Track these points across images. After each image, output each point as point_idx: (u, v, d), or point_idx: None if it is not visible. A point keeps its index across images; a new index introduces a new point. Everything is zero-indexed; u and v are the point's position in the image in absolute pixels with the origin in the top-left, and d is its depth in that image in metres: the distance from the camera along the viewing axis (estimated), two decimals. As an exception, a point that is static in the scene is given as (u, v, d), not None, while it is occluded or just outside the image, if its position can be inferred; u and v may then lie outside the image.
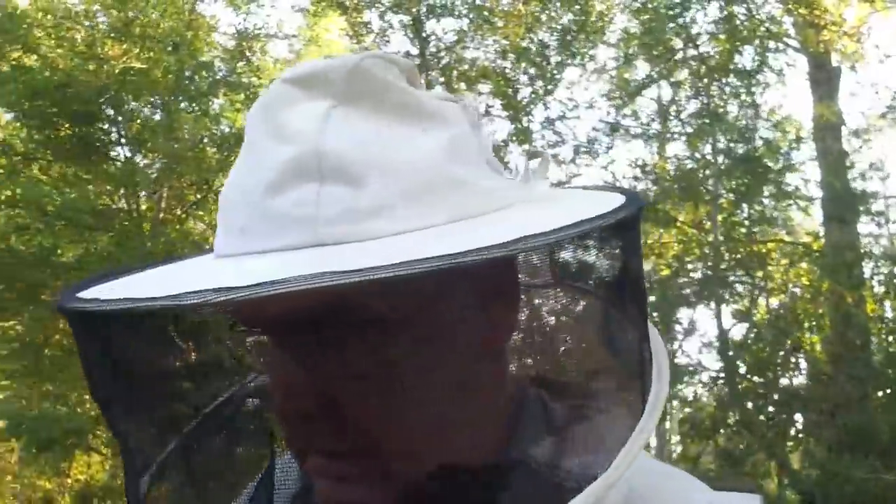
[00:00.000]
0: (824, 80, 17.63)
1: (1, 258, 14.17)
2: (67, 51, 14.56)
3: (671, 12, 16.83)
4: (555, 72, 17.40)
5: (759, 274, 17.08)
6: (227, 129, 16.48)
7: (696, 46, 16.92)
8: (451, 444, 0.96)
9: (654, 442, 20.37)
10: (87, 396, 15.30)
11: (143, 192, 15.39)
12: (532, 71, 17.09)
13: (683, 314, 17.29)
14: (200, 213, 16.85)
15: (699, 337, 19.76)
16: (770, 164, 16.99)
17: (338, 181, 0.88)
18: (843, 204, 16.08)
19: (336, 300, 0.88)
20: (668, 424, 20.30)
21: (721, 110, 17.35)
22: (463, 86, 17.35)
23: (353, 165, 0.88)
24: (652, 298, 15.97)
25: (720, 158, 16.99)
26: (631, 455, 0.89)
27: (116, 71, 14.26)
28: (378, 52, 0.99)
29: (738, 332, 16.68)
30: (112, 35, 14.33)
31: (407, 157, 0.90)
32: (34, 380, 15.48)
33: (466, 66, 17.89)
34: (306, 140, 0.89)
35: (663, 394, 0.96)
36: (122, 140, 15.29)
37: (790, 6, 17.19)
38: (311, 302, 0.86)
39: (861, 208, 16.56)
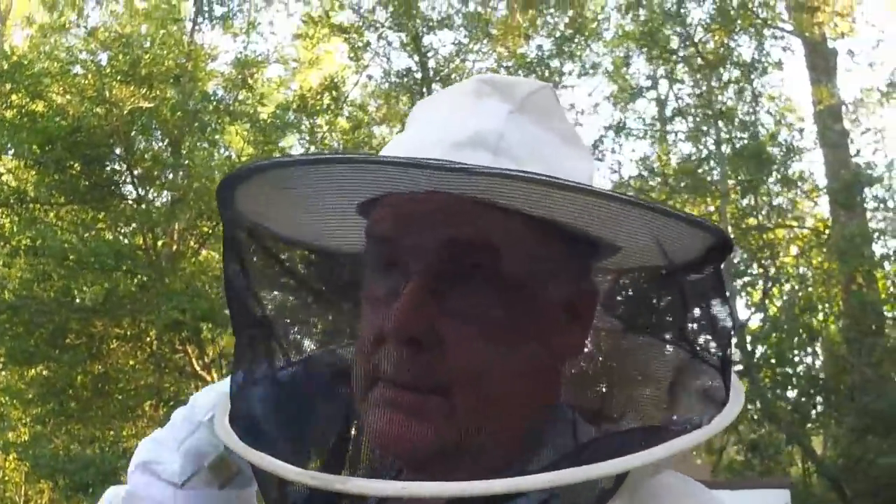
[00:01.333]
0: (821, 62, 17.67)
1: (25, 306, 14.36)
2: (75, 96, 14.68)
3: (667, 9, 16.87)
4: (555, 77, 17.47)
5: (771, 263, 17.12)
6: (234, 157, 16.58)
7: (694, 44, 16.96)
8: (518, 406, 1.07)
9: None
10: (122, 434, 15.49)
11: (158, 229, 15.49)
12: (533, 78, 17.15)
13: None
14: (215, 243, 16.96)
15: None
16: (773, 151, 17.01)
17: (510, 160, 1.08)
18: (848, 186, 16.11)
19: (485, 226, 1.04)
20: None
21: (722, 103, 17.39)
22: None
23: (524, 152, 1.10)
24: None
25: (724, 149, 17.03)
26: (724, 422, 1.05)
27: (125, 112, 14.38)
28: (549, 87, 1.24)
29: (753, 322, 16.73)
30: (119, 78, 14.44)
31: (569, 167, 1.11)
32: (62, 421, 15.63)
33: (467, 77, 17.99)
34: (492, 123, 1.12)
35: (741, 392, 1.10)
36: (133, 179, 15.40)
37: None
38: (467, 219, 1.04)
39: (866, 189, 16.57)
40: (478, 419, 1.04)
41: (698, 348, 1.13)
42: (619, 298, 1.22)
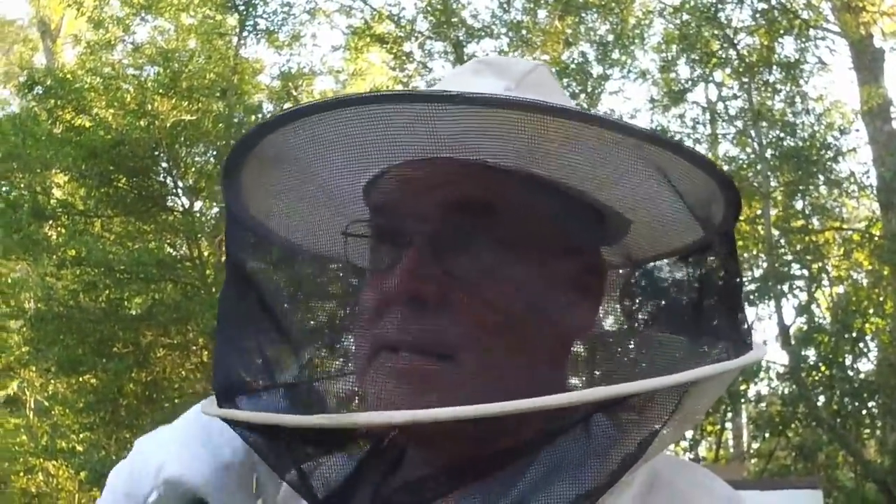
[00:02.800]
0: (868, 62, 17.45)
1: (71, 315, 14.61)
2: (118, 110, 14.92)
3: (707, 13, 16.78)
4: (596, 84, 17.46)
5: (817, 265, 16.92)
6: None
7: (735, 45, 16.85)
8: (521, 366, 1.05)
9: (731, 438, 20.31)
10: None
11: (203, 239, 15.68)
12: (574, 85, 17.14)
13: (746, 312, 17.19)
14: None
15: (762, 333, 19.59)
16: (820, 153, 16.82)
17: None
18: (892, 186, 15.88)
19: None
20: (744, 420, 20.16)
21: (766, 105, 17.25)
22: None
23: None
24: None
25: (769, 152, 16.88)
26: (758, 354, 1.09)
27: (168, 125, 14.59)
28: (545, 65, 1.25)
29: (800, 325, 16.53)
30: (160, 91, 14.65)
31: None
32: (112, 429, 15.84)
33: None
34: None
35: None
36: (179, 190, 15.63)
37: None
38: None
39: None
40: (485, 383, 1.03)
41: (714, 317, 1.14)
42: (631, 280, 1.23)
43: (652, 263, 1.21)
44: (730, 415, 18.05)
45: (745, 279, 17.45)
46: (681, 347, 1.13)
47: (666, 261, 1.20)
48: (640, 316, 1.22)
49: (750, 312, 17.09)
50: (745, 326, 1.12)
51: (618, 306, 1.17)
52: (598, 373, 1.16)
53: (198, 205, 16.48)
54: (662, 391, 1.01)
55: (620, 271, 1.21)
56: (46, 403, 17.50)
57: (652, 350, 1.17)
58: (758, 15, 16.96)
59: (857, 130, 18.24)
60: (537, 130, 1.02)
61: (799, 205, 17.51)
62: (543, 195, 1.08)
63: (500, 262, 1.07)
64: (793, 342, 15.66)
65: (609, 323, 1.16)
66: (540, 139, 1.03)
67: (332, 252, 1.24)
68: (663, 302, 1.22)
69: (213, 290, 14.59)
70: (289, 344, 1.20)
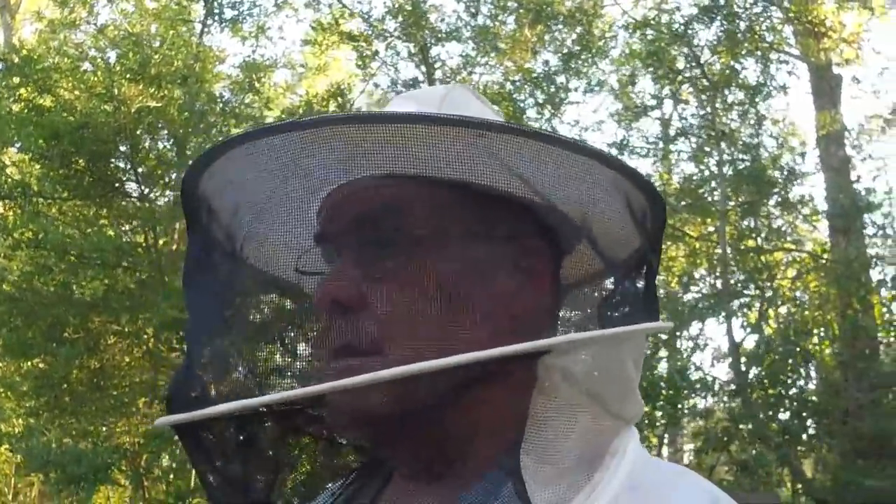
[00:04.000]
0: (826, 88, 17.72)
1: (23, 298, 14.40)
2: (84, 92, 14.74)
3: (674, 30, 16.94)
4: (561, 93, 17.56)
5: (769, 285, 17.16)
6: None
7: (700, 65, 17.03)
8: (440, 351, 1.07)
9: (665, 452, 20.48)
10: (116, 429, 15.51)
11: (160, 227, 15.53)
12: (538, 94, 17.24)
13: (694, 328, 17.41)
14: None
15: (711, 350, 19.80)
16: (774, 174, 17.07)
17: None
18: (848, 212, 16.16)
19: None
20: (682, 437, 20.39)
21: (726, 125, 17.45)
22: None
23: None
24: (662, 314, 16.02)
25: (726, 170, 17.08)
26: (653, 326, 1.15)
27: (132, 110, 14.44)
28: (463, 85, 1.36)
29: (749, 343, 16.75)
30: (128, 76, 14.50)
31: None
32: (55, 415, 15.63)
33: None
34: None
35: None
36: (137, 176, 15.45)
37: (790, 15, 17.30)
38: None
39: (866, 216, 16.62)
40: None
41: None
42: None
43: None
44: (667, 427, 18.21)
45: (696, 296, 17.74)
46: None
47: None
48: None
49: (696, 328, 17.31)
50: (653, 301, 1.19)
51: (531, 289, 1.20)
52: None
53: (155, 192, 16.27)
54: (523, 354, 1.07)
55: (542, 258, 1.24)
56: (-13, 385, 17.17)
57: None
58: (722, 34, 17.14)
59: (804, 154, 18.49)
60: (416, 136, 1.10)
61: (752, 224, 17.72)
62: (436, 192, 1.15)
63: (408, 259, 1.13)
64: (742, 360, 15.87)
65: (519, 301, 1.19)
66: (418, 144, 1.11)
67: (286, 276, 1.34)
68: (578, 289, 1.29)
69: (166, 279, 14.45)
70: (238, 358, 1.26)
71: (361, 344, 1.11)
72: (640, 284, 1.20)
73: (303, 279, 1.31)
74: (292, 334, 1.29)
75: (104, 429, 15.53)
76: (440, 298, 1.12)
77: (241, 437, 1.16)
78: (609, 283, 1.25)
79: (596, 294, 1.27)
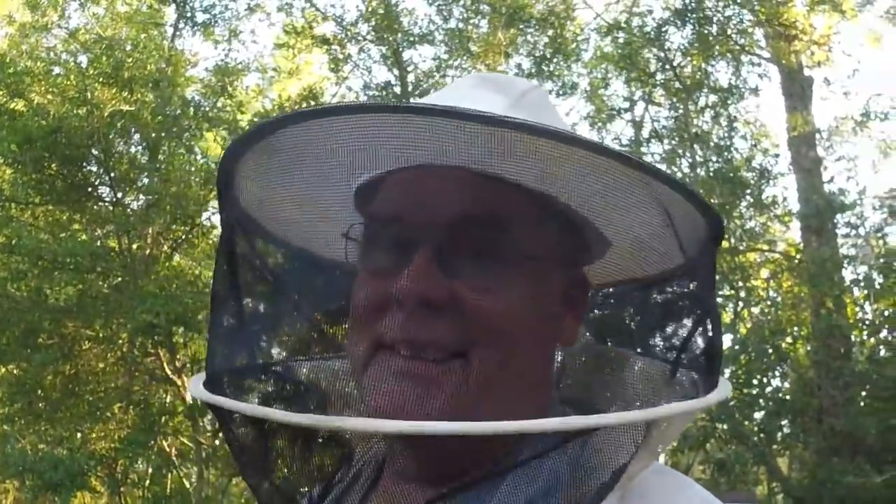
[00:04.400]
0: (797, 90, 17.82)
1: (-2, 304, 14.30)
2: (57, 96, 14.64)
3: (647, 34, 17.01)
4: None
5: (742, 285, 17.24)
6: (212, 165, 16.52)
7: (672, 68, 17.10)
8: (518, 375, 1.08)
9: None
10: (91, 435, 15.39)
11: (133, 232, 15.43)
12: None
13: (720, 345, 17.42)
14: (188, 248, 16.90)
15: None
16: (747, 175, 17.14)
17: None
18: (821, 212, 16.25)
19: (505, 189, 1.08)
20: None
21: (698, 127, 17.53)
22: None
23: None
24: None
25: (699, 171, 17.15)
26: (723, 393, 1.10)
27: (105, 114, 14.36)
28: (541, 88, 1.29)
29: (724, 343, 16.78)
30: (101, 80, 14.42)
31: None
32: (30, 421, 15.52)
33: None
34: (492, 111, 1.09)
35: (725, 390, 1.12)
36: (110, 181, 15.36)
37: (760, 18, 17.40)
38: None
39: (838, 215, 16.74)
40: (492, 384, 1.06)
41: (687, 349, 1.17)
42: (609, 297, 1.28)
43: (632, 286, 1.27)
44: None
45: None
46: (654, 378, 1.18)
47: (648, 286, 1.25)
48: (618, 336, 1.28)
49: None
50: (717, 361, 1.15)
51: (598, 323, 1.23)
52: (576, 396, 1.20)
53: (128, 197, 16.18)
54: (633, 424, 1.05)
55: (603, 291, 1.26)
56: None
57: (626, 378, 1.21)
58: (693, 38, 17.22)
59: (777, 155, 18.58)
60: (546, 153, 1.05)
61: (725, 225, 17.77)
62: (544, 213, 1.12)
63: (503, 273, 1.09)
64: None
65: (589, 338, 1.22)
66: (550, 162, 1.06)
67: (331, 253, 1.29)
68: (643, 326, 1.27)
69: (140, 283, 14.37)
70: (283, 339, 1.26)
71: (431, 349, 1.07)
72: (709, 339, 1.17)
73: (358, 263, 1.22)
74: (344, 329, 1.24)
75: (80, 435, 15.42)
76: (524, 322, 1.10)
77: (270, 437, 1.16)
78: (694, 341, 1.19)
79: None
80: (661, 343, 1.20)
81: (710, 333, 1.15)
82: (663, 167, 18.21)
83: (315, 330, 1.30)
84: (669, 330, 1.20)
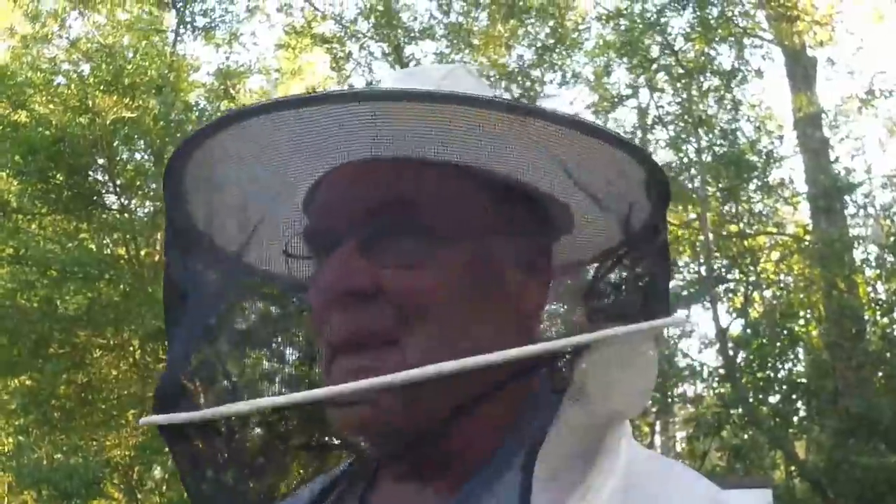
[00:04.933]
0: (801, 71, 17.76)
1: (7, 315, 14.35)
2: (58, 106, 14.71)
3: (647, 19, 16.95)
4: (536, 87, 17.57)
5: (752, 269, 17.20)
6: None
7: (675, 52, 17.05)
8: (467, 345, 1.04)
9: (658, 441, 20.55)
10: (106, 443, 15.48)
11: (141, 238, 15.50)
12: (514, 88, 17.25)
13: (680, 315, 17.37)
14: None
15: (698, 336, 19.84)
16: (754, 159, 17.08)
17: None
18: (829, 193, 16.21)
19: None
20: (675, 424, 20.45)
21: (703, 111, 17.47)
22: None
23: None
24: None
25: (705, 156, 17.10)
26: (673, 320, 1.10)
27: (108, 122, 14.41)
28: (463, 65, 1.29)
29: (735, 328, 16.78)
30: (102, 88, 14.47)
31: None
32: (45, 431, 15.62)
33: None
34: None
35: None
36: (116, 188, 15.43)
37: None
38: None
39: (846, 197, 16.70)
40: (434, 356, 1.03)
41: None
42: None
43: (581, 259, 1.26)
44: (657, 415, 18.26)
45: (679, 283, 17.77)
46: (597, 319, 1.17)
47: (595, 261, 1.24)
48: (566, 297, 1.24)
49: (682, 313, 17.28)
50: (665, 300, 1.14)
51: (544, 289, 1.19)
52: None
53: (134, 203, 16.24)
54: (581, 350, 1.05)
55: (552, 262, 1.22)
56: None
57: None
58: (695, 21, 17.16)
59: (782, 137, 18.47)
60: (448, 118, 1.05)
61: (733, 209, 17.74)
62: (460, 183, 1.11)
63: (424, 250, 1.08)
64: (729, 345, 15.90)
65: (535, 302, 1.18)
66: (449, 127, 1.06)
67: (275, 261, 1.28)
68: (590, 287, 1.23)
69: (150, 290, 14.42)
70: (236, 351, 1.23)
71: (378, 337, 1.07)
72: (652, 272, 1.17)
73: (295, 266, 1.24)
74: (292, 329, 1.26)
75: (94, 443, 15.51)
76: (461, 293, 1.08)
77: (233, 440, 1.14)
78: (620, 273, 1.20)
79: (606, 286, 1.22)
80: (611, 299, 1.20)
81: (657, 280, 1.16)
82: (669, 153, 18.25)
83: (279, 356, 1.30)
84: (618, 289, 1.20)
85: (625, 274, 1.19)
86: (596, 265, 1.23)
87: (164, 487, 15.70)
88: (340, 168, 1.14)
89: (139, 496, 15.82)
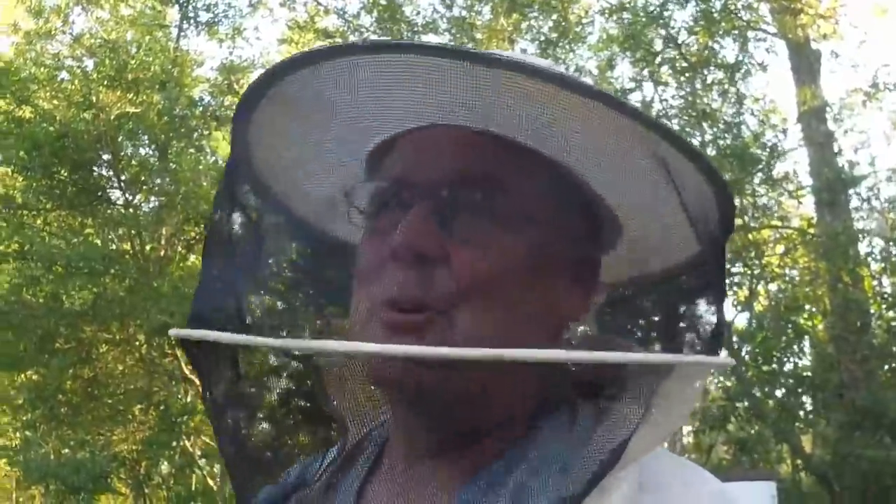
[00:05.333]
0: (805, 64, 17.75)
1: (13, 311, 14.37)
2: (62, 102, 14.73)
3: (650, 13, 16.92)
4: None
5: (757, 262, 17.20)
6: (220, 163, 16.54)
7: (678, 45, 17.03)
8: (511, 335, 1.04)
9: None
10: (113, 437, 15.51)
11: (146, 234, 15.51)
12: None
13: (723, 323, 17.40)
14: (200, 248, 16.93)
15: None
16: (758, 152, 17.05)
17: None
18: (832, 186, 16.21)
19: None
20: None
21: (706, 105, 17.45)
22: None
23: None
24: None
25: (709, 150, 17.07)
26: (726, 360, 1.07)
27: (112, 117, 14.42)
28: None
29: (740, 321, 16.79)
30: (105, 83, 14.48)
31: None
32: (52, 426, 15.66)
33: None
34: None
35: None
36: (121, 183, 15.44)
37: (765, -8, 17.35)
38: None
39: (851, 190, 16.70)
40: (479, 335, 1.03)
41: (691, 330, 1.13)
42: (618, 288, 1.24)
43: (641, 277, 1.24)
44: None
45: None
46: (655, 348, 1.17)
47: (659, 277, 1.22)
48: (622, 319, 1.25)
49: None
50: (721, 340, 1.11)
51: (602, 303, 1.19)
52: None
53: (139, 198, 16.25)
54: (633, 371, 1.03)
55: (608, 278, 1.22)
56: (-19, 400, 17.22)
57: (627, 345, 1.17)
58: (698, 15, 17.14)
59: (786, 131, 18.40)
60: (552, 104, 1.03)
61: (738, 203, 17.72)
62: (550, 176, 1.10)
63: (499, 232, 1.07)
64: (734, 338, 15.91)
65: (592, 317, 1.18)
66: (553, 115, 1.04)
67: (332, 210, 1.27)
68: (646, 310, 1.25)
69: (155, 284, 14.43)
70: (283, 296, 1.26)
71: (420, 303, 1.05)
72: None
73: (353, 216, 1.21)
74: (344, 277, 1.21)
75: (101, 437, 15.54)
76: (517, 283, 1.07)
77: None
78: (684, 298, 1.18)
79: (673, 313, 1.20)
80: (666, 327, 1.19)
81: (715, 318, 1.10)
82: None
83: (317, 303, 1.31)
84: (676, 315, 1.17)
85: (688, 300, 1.16)
86: (656, 286, 1.22)
87: (171, 482, 15.75)
88: (430, 129, 1.12)
89: (146, 490, 15.86)
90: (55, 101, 14.90)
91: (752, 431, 15.83)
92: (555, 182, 1.11)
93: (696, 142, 17.14)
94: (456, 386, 1.04)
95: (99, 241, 15.49)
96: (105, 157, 15.12)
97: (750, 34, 17.69)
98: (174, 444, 14.92)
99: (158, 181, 15.75)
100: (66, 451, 14.53)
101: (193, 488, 15.12)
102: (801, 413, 16.28)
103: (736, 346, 15.98)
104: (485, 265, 1.06)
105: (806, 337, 16.55)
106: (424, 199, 1.09)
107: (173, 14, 17.95)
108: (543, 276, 1.10)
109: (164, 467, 15.88)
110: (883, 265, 16.59)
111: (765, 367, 15.78)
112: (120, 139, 14.85)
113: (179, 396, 16.30)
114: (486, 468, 1.08)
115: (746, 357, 16.03)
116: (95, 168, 15.23)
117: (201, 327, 1.09)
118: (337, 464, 1.22)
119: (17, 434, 16.74)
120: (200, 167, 16.29)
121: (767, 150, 17.20)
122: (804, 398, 16.18)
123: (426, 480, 1.11)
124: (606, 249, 1.20)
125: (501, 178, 1.09)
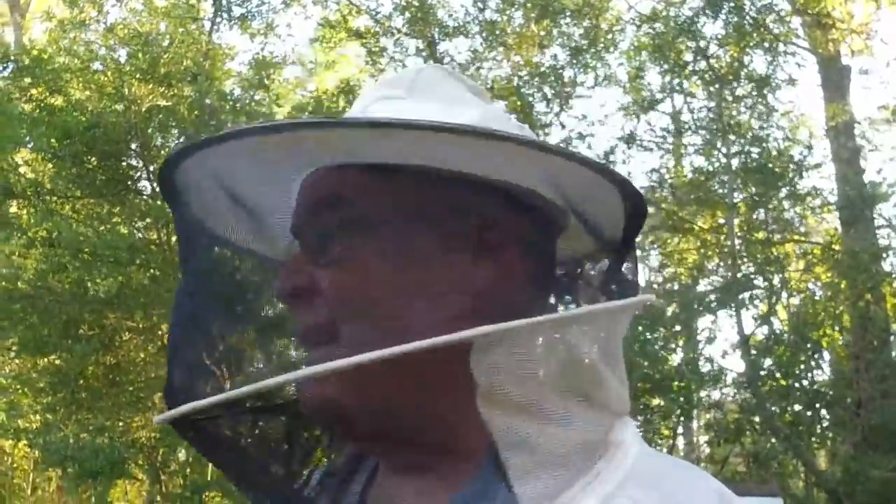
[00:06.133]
0: (835, 79, 17.70)
1: (39, 296, 14.53)
2: (95, 92, 14.87)
3: (681, 24, 16.89)
4: (568, 88, 17.55)
5: (778, 277, 17.13)
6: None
7: (707, 57, 17.00)
8: (412, 328, 1.06)
9: (681, 444, 20.52)
10: (132, 424, 15.62)
11: (172, 225, 15.62)
12: (546, 88, 17.24)
13: (705, 320, 17.38)
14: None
15: (722, 342, 19.76)
16: (784, 166, 16.98)
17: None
18: (858, 203, 16.16)
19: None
20: (695, 427, 20.43)
21: (735, 117, 17.41)
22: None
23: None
24: (673, 306, 16.11)
25: (734, 162, 17.03)
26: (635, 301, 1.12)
27: (143, 109, 14.56)
28: (436, 65, 1.33)
29: (759, 335, 16.73)
30: (138, 76, 14.62)
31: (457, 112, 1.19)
32: (72, 411, 15.78)
33: (482, 85, 18.02)
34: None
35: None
36: (150, 174, 15.56)
37: (798, 7, 17.27)
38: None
39: (876, 207, 16.63)
40: (370, 344, 1.03)
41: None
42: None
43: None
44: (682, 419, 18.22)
45: (706, 288, 17.77)
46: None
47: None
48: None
49: (708, 320, 17.31)
50: (631, 278, 1.18)
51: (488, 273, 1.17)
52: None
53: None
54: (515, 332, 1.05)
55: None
56: (4, 381, 17.35)
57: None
58: (730, 27, 17.09)
59: (811, 147, 18.28)
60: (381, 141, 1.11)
61: (761, 216, 17.66)
62: (386, 177, 1.14)
63: (358, 242, 1.13)
64: (752, 352, 15.86)
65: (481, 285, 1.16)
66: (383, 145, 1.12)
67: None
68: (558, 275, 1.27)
69: (180, 275, 14.50)
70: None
71: (314, 333, 1.15)
72: (618, 265, 1.21)
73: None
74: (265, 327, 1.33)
75: (120, 424, 15.67)
76: (389, 284, 1.11)
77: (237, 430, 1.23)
78: (591, 265, 1.25)
79: (574, 276, 1.26)
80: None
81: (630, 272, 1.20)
82: (700, 158, 18.21)
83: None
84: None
85: (596, 265, 1.24)
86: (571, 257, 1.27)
87: (188, 470, 15.85)
88: (304, 184, 1.22)
89: (163, 478, 15.98)
90: (87, 92, 15.04)
91: (769, 446, 15.78)
92: (415, 181, 1.14)
93: (722, 154, 17.14)
94: (370, 396, 1.10)
95: (126, 231, 15.59)
96: (134, 147, 15.24)
97: (780, 48, 17.63)
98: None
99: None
100: (85, 435, 14.58)
101: (209, 477, 15.19)
102: (818, 429, 16.22)
103: (753, 360, 15.92)
104: (345, 277, 1.12)
105: (824, 353, 16.48)
106: (298, 238, 1.22)
107: (206, 7, 18.06)
108: (427, 264, 1.13)
109: (181, 455, 15.99)
110: (906, 284, 16.51)
111: (783, 382, 15.70)
112: (150, 131, 14.96)
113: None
114: (472, 476, 1.11)
115: (764, 371, 15.98)
116: (125, 158, 15.34)
117: (178, 404, 1.12)
118: (338, 476, 1.28)
119: (38, 416, 16.86)
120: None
121: (793, 164, 17.14)
122: (821, 414, 16.13)
123: (415, 491, 1.16)
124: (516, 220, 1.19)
125: (349, 195, 1.15)
